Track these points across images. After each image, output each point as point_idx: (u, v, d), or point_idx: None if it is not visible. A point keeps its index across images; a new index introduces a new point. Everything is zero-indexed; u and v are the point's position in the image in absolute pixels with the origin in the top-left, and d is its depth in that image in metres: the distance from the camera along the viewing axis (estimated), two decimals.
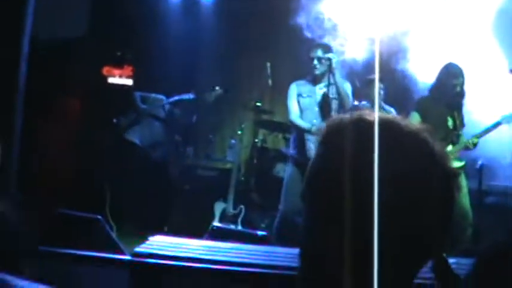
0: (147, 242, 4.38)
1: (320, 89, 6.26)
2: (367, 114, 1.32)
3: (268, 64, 7.60)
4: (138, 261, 3.97)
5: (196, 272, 3.97)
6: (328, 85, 6.14)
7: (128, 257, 4.12)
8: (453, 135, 6.31)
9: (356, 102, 6.88)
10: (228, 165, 7.98)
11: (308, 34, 7.17)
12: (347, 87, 6.25)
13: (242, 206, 7.19)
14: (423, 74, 7.15)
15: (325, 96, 6.18)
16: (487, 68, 6.56)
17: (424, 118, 6.27)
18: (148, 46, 8.39)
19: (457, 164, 6.15)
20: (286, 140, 8.14)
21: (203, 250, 4.33)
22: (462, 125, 6.41)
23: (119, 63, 9.08)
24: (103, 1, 8.56)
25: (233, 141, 7.96)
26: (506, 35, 6.99)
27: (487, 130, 6.20)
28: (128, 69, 9.08)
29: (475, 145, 6.28)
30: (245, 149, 8.20)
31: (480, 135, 6.25)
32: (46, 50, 7.34)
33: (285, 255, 4.41)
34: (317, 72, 6.21)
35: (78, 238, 4.65)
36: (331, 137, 1.35)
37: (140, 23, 8.27)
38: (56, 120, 7.78)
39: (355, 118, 1.33)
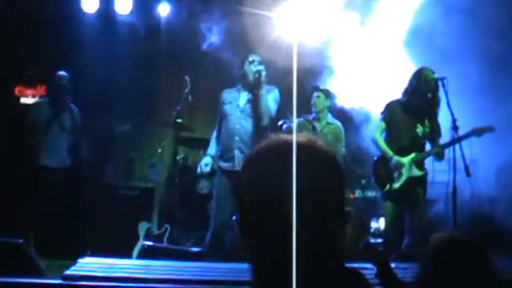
0: (77, 264, 4.19)
1: (244, 96, 6.06)
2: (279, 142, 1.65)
3: (188, 79, 7.27)
4: (70, 285, 3.78)
5: None
6: (253, 94, 5.98)
7: (57, 281, 3.90)
8: (420, 143, 6.12)
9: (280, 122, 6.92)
10: (150, 185, 7.83)
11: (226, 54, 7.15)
12: (273, 96, 6.08)
13: (167, 225, 7.03)
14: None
15: (248, 102, 6.00)
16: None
17: (390, 124, 6.17)
18: (63, 64, 8.11)
19: (416, 173, 6.04)
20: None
21: (137, 269, 4.19)
22: (436, 133, 6.10)
23: (31, 83, 8.80)
24: (13, 21, 8.26)
25: (154, 159, 7.81)
26: (420, 51, 7.06)
27: (454, 141, 5.80)
28: (41, 89, 8.80)
29: (439, 155, 6.03)
30: (166, 168, 8.04)
31: (446, 146, 5.93)
32: None
33: (223, 270, 4.33)
34: (245, 82, 6.04)
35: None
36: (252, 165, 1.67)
37: (55, 40, 8.01)
38: None
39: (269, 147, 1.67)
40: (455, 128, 5.75)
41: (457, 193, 5.64)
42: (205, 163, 6.05)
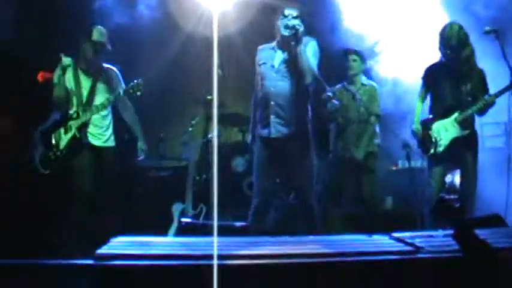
0: (109, 244, 3.84)
1: (279, 55, 5.57)
2: None
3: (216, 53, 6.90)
4: (104, 264, 3.42)
5: (170, 269, 3.45)
6: (290, 52, 5.49)
7: (88, 261, 3.54)
8: (464, 101, 5.80)
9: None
10: (183, 163, 7.49)
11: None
12: (312, 49, 5.51)
13: (202, 205, 6.70)
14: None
15: (284, 62, 5.52)
16: None
17: (432, 86, 5.99)
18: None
19: (460, 132, 5.77)
20: (243, 132, 7.75)
21: (176, 246, 3.85)
22: (480, 89, 5.80)
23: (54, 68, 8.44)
24: (35, 5, 7.94)
25: (185, 138, 7.45)
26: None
27: (505, 89, 5.57)
28: None
29: (487, 104, 5.69)
30: (198, 146, 7.66)
31: (495, 96, 5.66)
32: None
33: (270, 243, 3.99)
34: (279, 39, 5.58)
35: None
36: None
37: (77, 19, 7.65)
38: None
39: None
40: None
41: None
42: (250, 140, 5.72)
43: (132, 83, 5.91)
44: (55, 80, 5.99)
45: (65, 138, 5.84)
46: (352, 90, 6.71)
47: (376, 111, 6.78)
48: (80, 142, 5.83)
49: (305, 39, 5.49)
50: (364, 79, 6.94)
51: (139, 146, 6.22)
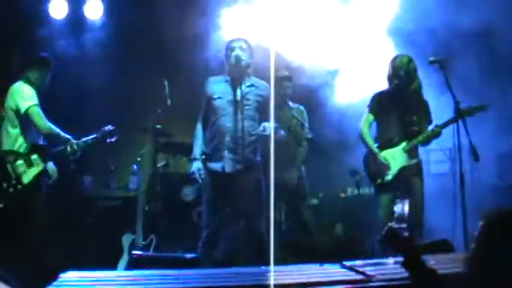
0: (59, 280, 3.77)
1: (235, 89, 5.51)
2: None
3: (165, 82, 6.85)
4: None
5: None
6: (247, 86, 5.51)
7: None
8: (410, 130, 5.95)
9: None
10: (131, 194, 7.41)
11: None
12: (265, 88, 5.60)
13: (153, 236, 6.63)
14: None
15: (242, 98, 5.47)
16: None
17: (378, 114, 6.07)
18: None
19: (408, 162, 5.92)
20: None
21: (127, 280, 3.79)
22: (425, 119, 6.00)
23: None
24: None
25: (135, 167, 7.38)
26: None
27: (449, 122, 5.68)
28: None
29: (434, 135, 5.87)
30: (147, 176, 7.58)
31: (441, 127, 5.80)
32: None
33: (221, 275, 3.96)
34: (230, 68, 5.54)
35: None
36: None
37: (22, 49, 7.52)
38: None
39: None
40: (458, 110, 5.51)
41: (464, 184, 5.36)
42: (197, 168, 5.52)
43: (106, 129, 5.81)
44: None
45: (30, 172, 5.54)
46: (295, 114, 6.66)
47: (306, 134, 6.76)
48: (46, 175, 5.64)
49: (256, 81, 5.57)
50: (290, 102, 6.93)
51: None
